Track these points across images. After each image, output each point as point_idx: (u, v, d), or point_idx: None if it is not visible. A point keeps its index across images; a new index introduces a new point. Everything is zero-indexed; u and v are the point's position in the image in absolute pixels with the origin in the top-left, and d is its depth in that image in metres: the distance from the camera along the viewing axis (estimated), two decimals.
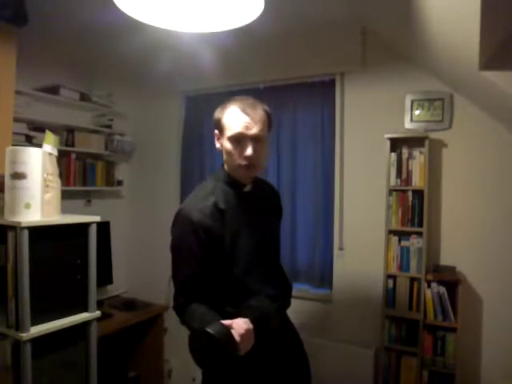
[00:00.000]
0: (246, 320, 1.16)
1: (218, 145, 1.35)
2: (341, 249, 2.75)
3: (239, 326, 1.12)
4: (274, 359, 1.35)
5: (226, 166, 1.37)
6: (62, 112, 2.94)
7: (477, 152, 2.40)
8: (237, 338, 1.08)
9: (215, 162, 3.13)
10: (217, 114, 1.33)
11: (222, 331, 1.06)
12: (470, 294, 2.38)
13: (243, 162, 1.27)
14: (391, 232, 2.46)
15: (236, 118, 1.27)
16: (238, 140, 1.26)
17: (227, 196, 1.33)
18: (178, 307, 1.29)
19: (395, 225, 2.45)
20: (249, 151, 1.25)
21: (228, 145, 1.28)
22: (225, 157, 1.32)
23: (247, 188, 1.38)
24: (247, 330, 1.12)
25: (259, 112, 1.29)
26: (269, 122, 1.33)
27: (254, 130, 1.26)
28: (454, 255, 2.45)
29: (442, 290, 2.30)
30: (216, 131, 1.34)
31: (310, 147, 2.87)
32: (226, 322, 1.10)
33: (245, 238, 1.32)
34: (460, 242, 2.44)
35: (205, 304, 1.25)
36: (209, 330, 1.04)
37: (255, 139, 1.27)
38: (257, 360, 1.30)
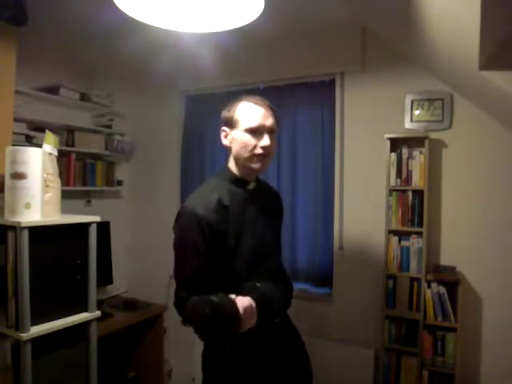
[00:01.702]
0: (249, 298, 1.19)
1: (225, 141, 1.36)
2: (341, 248, 2.75)
3: (243, 301, 1.16)
4: (275, 359, 1.35)
5: (231, 164, 1.38)
6: (62, 112, 2.94)
7: (477, 152, 2.40)
8: (240, 310, 1.13)
9: (215, 162, 3.14)
10: (226, 113, 1.35)
11: (227, 301, 1.13)
12: (470, 294, 2.38)
13: (259, 151, 1.30)
14: (391, 232, 2.46)
15: (252, 111, 1.30)
16: (255, 131, 1.29)
17: (231, 193, 1.33)
18: (180, 301, 1.27)
19: (395, 225, 2.45)
20: (267, 141, 1.29)
21: (244, 136, 1.30)
22: (237, 150, 1.33)
23: (251, 186, 1.39)
24: (250, 307, 1.16)
25: (268, 107, 1.34)
26: (276, 118, 1.36)
27: (270, 121, 1.31)
28: (453, 255, 2.44)
29: (442, 289, 2.30)
30: (225, 128, 1.35)
31: (310, 147, 2.87)
32: (230, 296, 1.17)
33: (248, 236, 1.32)
34: (460, 242, 2.44)
35: None
36: (213, 298, 1.11)
37: (270, 131, 1.31)
38: (258, 360, 1.30)
